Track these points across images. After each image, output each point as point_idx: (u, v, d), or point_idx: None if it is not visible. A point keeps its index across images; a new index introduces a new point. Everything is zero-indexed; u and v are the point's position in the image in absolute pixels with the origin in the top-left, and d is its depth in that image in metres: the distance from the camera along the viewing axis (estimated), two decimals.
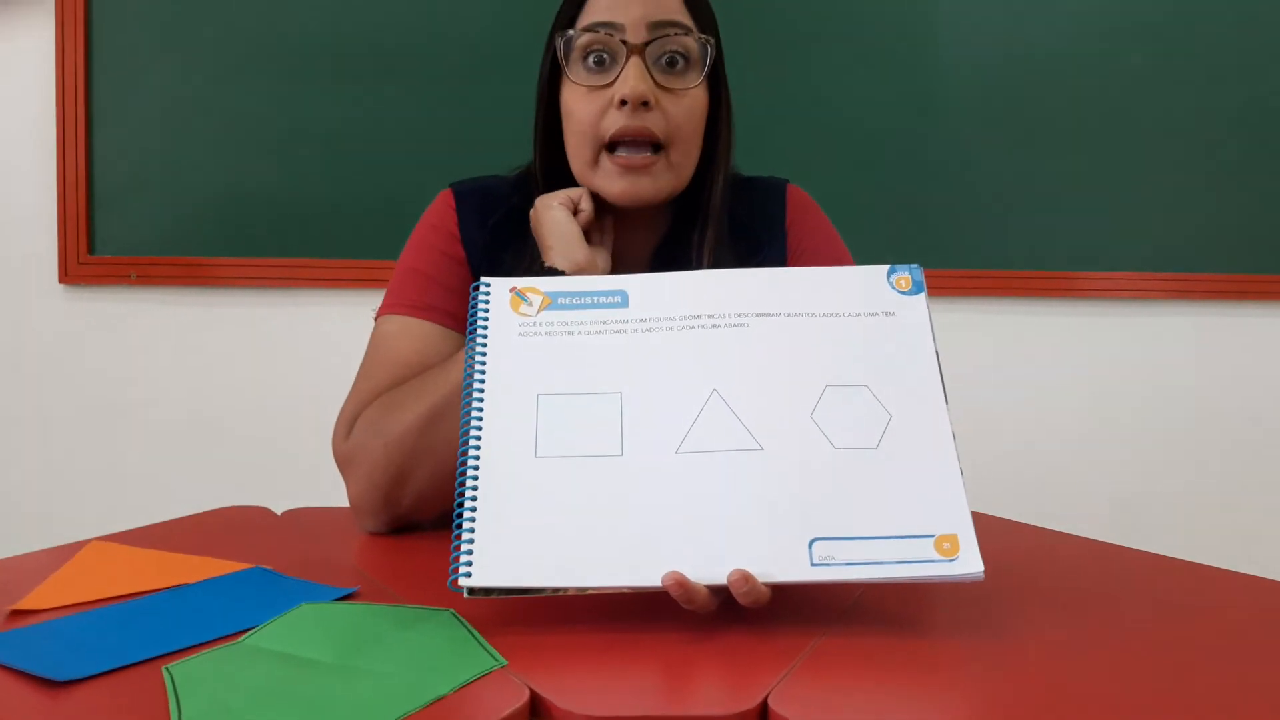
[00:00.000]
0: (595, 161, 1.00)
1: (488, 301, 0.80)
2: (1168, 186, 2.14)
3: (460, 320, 0.99)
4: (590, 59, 0.99)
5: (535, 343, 0.78)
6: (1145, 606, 0.78)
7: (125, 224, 2.01)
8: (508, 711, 0.56)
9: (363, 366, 1.02)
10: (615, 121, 0.97)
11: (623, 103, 0.96)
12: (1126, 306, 2.17)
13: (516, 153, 1.12)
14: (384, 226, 1.99)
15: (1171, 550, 0.93)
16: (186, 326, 2.06)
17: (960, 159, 2.10)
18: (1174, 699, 0.60)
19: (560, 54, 1.00)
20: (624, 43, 0.97)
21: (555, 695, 0.58)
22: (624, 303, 0.80)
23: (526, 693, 0.59)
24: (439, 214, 1.07)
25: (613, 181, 0.99)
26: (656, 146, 0.99)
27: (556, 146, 1.04)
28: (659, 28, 0.97)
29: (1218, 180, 2.15)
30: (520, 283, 0.81)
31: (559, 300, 0.80)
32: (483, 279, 0.82)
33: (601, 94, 0.98)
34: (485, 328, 0.79)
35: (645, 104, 0.96)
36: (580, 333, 0.79)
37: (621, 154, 0.98)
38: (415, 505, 0.93)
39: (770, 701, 0.58)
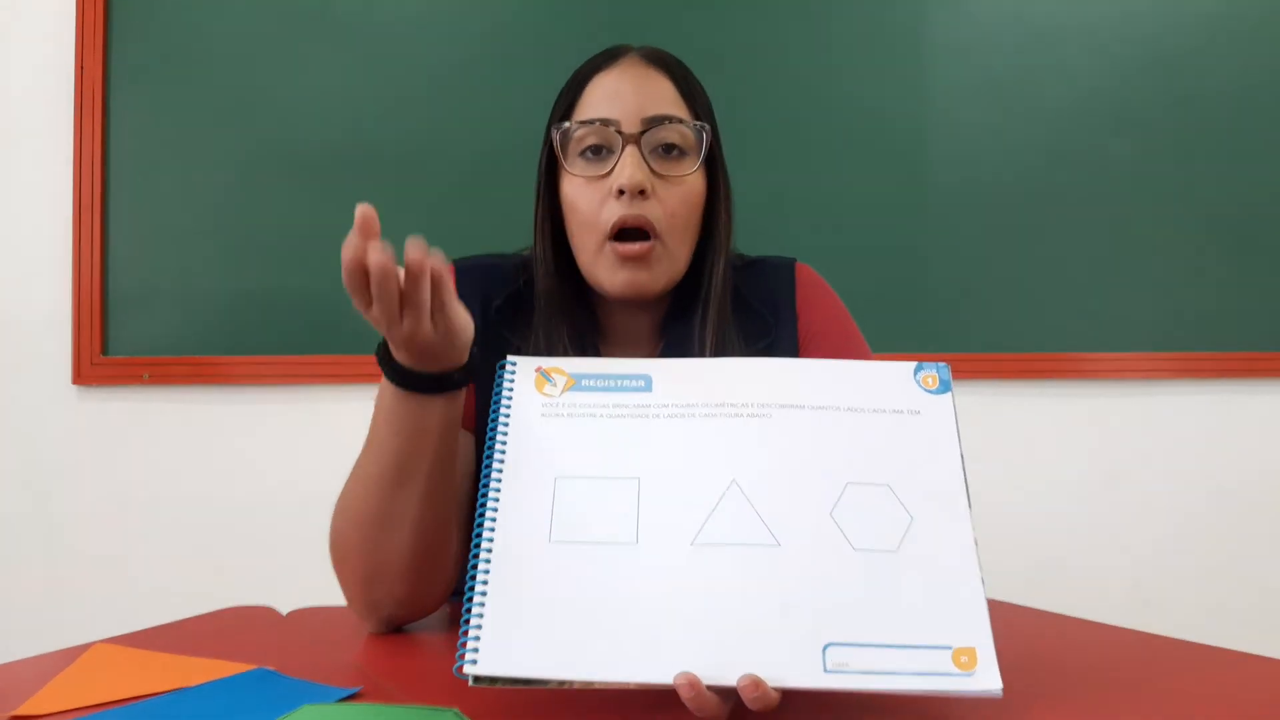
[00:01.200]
0: (599, 251, 1.01)
1: (513, 380, 0.81)
2: (1175, 266, 2.16)
3: None
4: (587, 151, 1.01)
5: (557, 424, 0.78)
6: (1166, 694, 0.76)
7: (139, 325, 2.04)
8: None
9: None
10: (614, 212, 0.99)
11: (620, 192, 0.98)
12: (1136, 387, 2.16)
13: (518, 246, 1.13)
14: None
15: (1189, 633, 0.91)
16: (198, 425, 2.07)
17: (960, 242, 2.12)
18: None
19: (557, 146, 1.02)
20: (619, 133, 0.99)
21: None
22: (648, 387, 0.80)
23: None
24: None
25: (614, 274, 1.01)
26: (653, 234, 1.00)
27: (559, 236, 1.06)
28: (654, 120, 1.00)
29: (1224, 258, 2.16)
30: (546, 363, 0.82)
31: (583, 382, 0.81)
32: (509, 358, 0.82)
33: (600, 184, 1.00)
34: (509, 407, 0.79)
35: (642, 192, 0.98)
36: (603, 415, 0.79)
37: (619, 244, 1.00)
38: (399, 607, 0.91)
39: None
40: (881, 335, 1.15)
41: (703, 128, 1.03)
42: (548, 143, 1.05)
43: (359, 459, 0.91)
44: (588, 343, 1.07)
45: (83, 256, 2.02)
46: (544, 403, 0.79)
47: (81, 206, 2.02)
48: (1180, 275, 2.16)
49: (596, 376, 0.81)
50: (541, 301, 1.06)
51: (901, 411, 0.78)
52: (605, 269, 1.01)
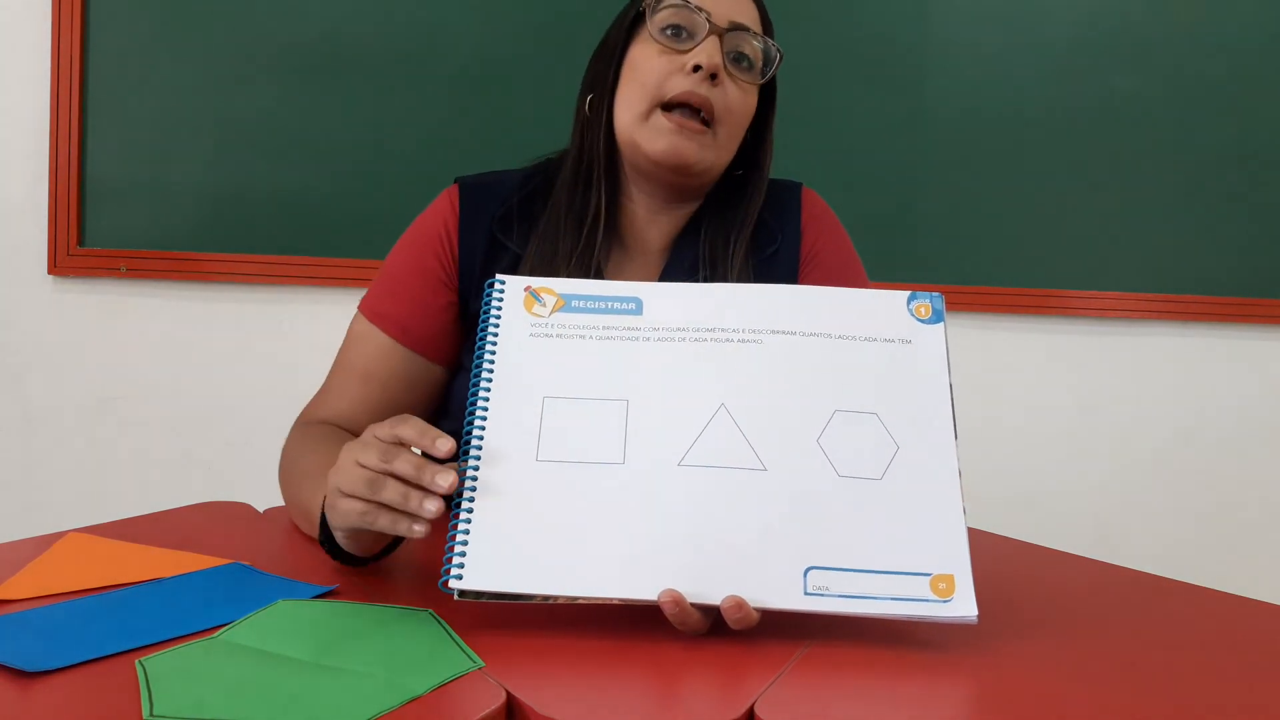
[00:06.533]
0: (648, 116, 1.00)
1: (501, 299, 0.80)
2: (1158, 207, 2.15)
3: (411, 335, 1.01)
4: (668, 29, 1.00)
5: (546, 344, 0.78)
6: (1126, 621, 0.78)
7: (117, 216, 2.00)
8: (483, 713, 0.56)
9: (334, 363, 1.05)
10: (680, 84, 0.98)
11: (696, 68, 0.98)
12: (1115, 326, 2.17)
13: (511, 154, 1.11)
14: (375, 226, 1.99)
15: (1151, 568, 0.93)
16: (175, 321, 2.04)
17: (953, 175, 2.10)
18: (1150, 712, 0.60)
19: (645, 18, 1.02)
20: (709, 22, 0.99)
21: (533, 699, 0.58)
22: (638, 310, 0.80)
23: (503, 695, 0.58)
24: (436, 217, 1.06)
25: (659, 137, 0.99)
26: (707, 122, 1.00)
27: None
28: (740, 26, 1.01)
29: (1208, 203, 2.15)
30: (536, 282, 0.81)
31: (573, 303, 0.80)
32: (498, 276, 0.81)
33: (674, 57, 0.99)
34: (497, 326, 0.78)
35: (714, 77, 0.98)
36: (592, 337, 0.78)
37: (678, 114, 0.99)
38: None
39: (757, 709, 0.58)
40: (868, 262, 1.15)
41: (778, 48, 1.04)
42: (621, 16, 1.05)
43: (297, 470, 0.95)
44: (595, 245, 1.04)
45: (60, 143, 1.97)
46: (533, 322, 0.79)
47: (59, 93, 1.96)
48: (1162, 217, 2.15)
49: (586, 298, 0.80)
50: (565, 182, 1.04)
51: (893, 340, 0.78)
52: (650, 132, 1.00)
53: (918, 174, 2.10)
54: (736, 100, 1.01)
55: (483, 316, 0.79)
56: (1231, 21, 2.13)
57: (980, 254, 2.12)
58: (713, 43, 0.99)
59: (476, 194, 1.06)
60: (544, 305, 0.80)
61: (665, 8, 1.01)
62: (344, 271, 1.99)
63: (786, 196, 1.12)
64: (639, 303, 0.80)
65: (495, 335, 0.78)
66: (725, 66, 0.99)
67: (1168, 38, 2.12)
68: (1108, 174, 2.13)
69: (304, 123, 2.00)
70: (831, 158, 2.08)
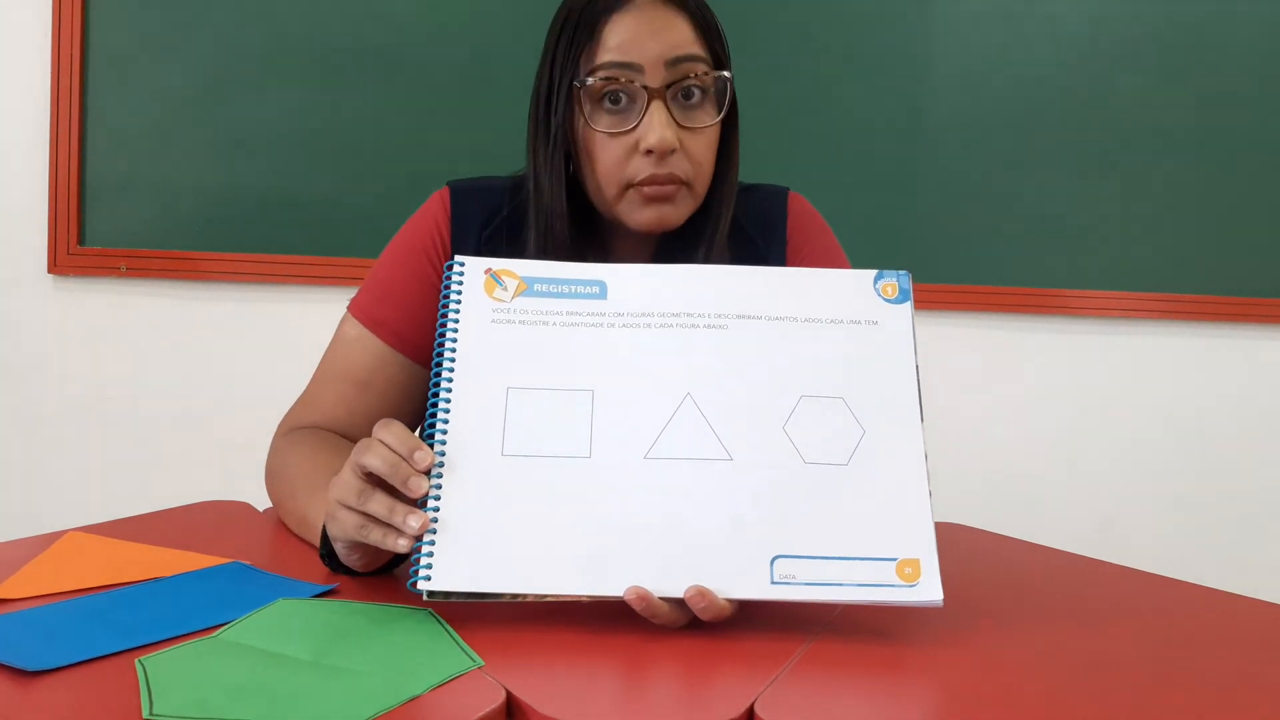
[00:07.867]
0: (621, 196, 0.97)
1: (461, 282, 0.78)
2: (1159, 207, 2.14)
3: (408, 343, 0.99)
4: (606, 99, 0.95)
5: (508, 331, 0.76)
6: (1124, 621, 0.78)
7: (116, 216, 2.00)
8: (483, 712, 0.56)
9: (321, 364, 1.04)
10: (642, 169, 0.94)
11: (648, 151, 0.93)
12: (1115, 325, 2.17)
13: (507, 152, 1.10)
14: (375, 225, 1.97)
15: (1152, 567, 0.93)
16: (176, 320, 2.04)
17: (952, 174, 2.10)
18: (1143, 712, 0.60)
19: (579, 100, 0.96)
20: (645, 88, 0.94)
21: (532, 698, 0.58)
22: (602, 294, 0.78)
23: (503, 694, 0.58)
24: (428, 220, 1.04)
25: (640, 212, 0.96)
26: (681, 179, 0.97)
27: (566, 168, 1.00)
28: (677, 64, 0.95)
29: (1209, 203, 2.15)
30: (496, 264, 0.79)
31: (535, 286, 0.78)
32: (457, 257, 0.79)
33: (624, 139, 0.95)
34: (457, 311, 0.77)
35: (671, 151, 0.94)
36: (555, 323, 0.77)
37: (647, 188, 0.95)
38: None
39: (757, 708, 0.58)
40: (868, 262, 1.14)
41: (725, 80, 0.98)
42: (549, 79, 0.98)
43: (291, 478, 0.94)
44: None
45: (59, 143, 1.97)
46: (495, 307, 0.77)
47: (59, 93, 1.96)
48: (1169, 217, 2.15)
49: (549, 281, 0.78)
50: (543, 225, 1.00)
51: (860, 322, 0.78)
52: (628, 208, 0.96)
53: (917, 174, 2.10)
54: (700, 151, 0.97)
55: (442, 300, 0.77)
56: (1232, 21, 2.13)
57: (980, 254, 2.12)
58: (656, 112, 0.93)
59: (467, 199, 1.04)
60: (505, 289, 0.78)
61: (595, 80, 0.94)
62: (343, 271, 1.99)
63: (773, 204, 1.10)
64: (603, 286, 0.79)
65: (456, 321, 0.76)
66: (678, 125, 0.94)
67: (1169, 37, 2.12)
68: (1108, 174, 2.13)
69: (304, 123, 2.00)
70: (831, 157, 2.07)
